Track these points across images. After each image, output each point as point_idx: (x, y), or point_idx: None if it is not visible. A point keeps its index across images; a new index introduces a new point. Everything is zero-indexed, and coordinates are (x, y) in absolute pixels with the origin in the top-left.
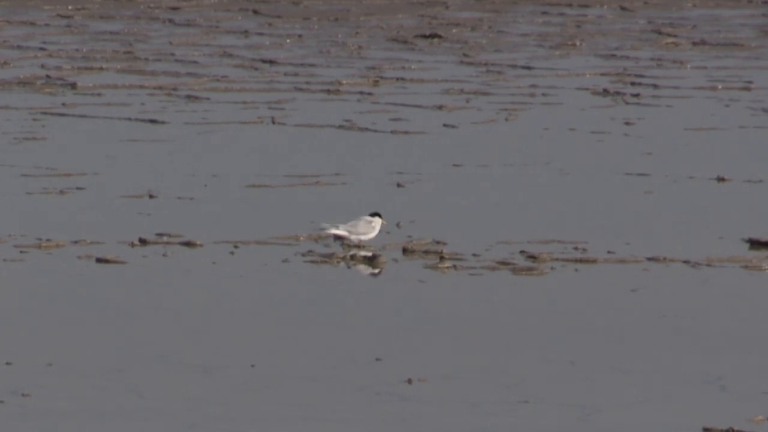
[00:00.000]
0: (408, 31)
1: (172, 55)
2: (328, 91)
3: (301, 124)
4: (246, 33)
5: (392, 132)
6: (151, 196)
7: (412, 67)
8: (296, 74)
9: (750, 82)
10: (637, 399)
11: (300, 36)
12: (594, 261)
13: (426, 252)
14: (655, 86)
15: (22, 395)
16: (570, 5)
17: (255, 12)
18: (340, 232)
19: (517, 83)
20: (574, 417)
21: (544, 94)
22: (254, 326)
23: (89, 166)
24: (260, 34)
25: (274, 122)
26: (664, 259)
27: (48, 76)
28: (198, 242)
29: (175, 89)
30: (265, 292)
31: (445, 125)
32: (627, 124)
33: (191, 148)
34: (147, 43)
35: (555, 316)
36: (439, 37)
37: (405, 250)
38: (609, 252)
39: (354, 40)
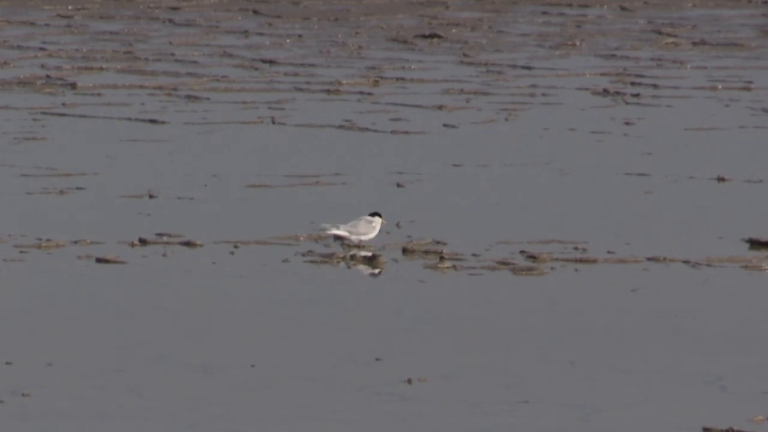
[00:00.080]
0: (408, 31)
1: (172, 55)
2: (328, 91)
3: (301, 124)
4: (246, 33)
5: (392, 132)
6: (151, 196)
7: (412, 67)
8: (296, 74)
9: (750, 82)
10: (637, 399)
11: (300, 36)
12: (594, 261)
13: (426, 252)
14: (655, 86)
15: (22, 395)
16: (570, 5)
17: (255, 12)
18: (341, 232)
19: (517, 83)
20: (574, 417)
21: (544, 94)
22: (254, 326)
23: (89, 166)
24: (260, 34)
25: (274, 122)
26: (664, 259)
27: (48, 76)
28: (198, 242)
29: (175, 89)
30: (265, 292)
31: (445, 125)
32: (627, 124)
33: (191, 148)
34: (147, 43)
35: (555, 316)
36: (439, 37)
37: (405, 250)
38: (609, 252)
39: (354, 40)
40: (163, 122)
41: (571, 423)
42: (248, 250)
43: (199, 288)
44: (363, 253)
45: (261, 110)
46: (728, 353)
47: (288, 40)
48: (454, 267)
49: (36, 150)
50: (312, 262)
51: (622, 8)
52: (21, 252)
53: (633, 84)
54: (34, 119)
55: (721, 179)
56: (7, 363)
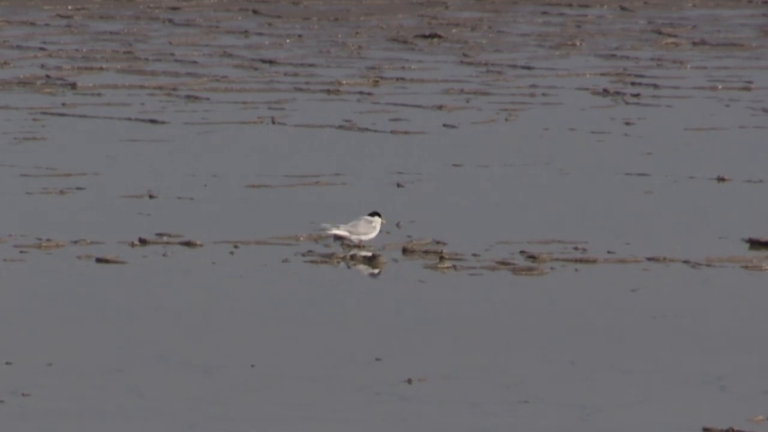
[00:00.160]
0: (408, 31)
1: (172, 55)
2: (328, 91)
3: (301, 124)
4: (246, 33)
5: (392, 132)
6: (151, 196)
7: (412, 67)
8: (296, 74)
9: (750, 82)
10: (637, 399)
11: (300, 36)
12: (594, 261)
13: (426, 252)
14: (655, 86)
15: (22, 395)
16: (570, 5)
17: (255, 12)
18: (341, 232)
19: (517, 83)
20: (574, 417)
21: (544, 94)
22: (254, 326)
23: (89, 166)
24: (260, 34)
25: (274, 122)
26: (664, 259)
27: (48, 76)
28: (198, 242)
29: (175, 89)
30: (265, 292)
31: (445, 125)
32: (627, 124)
33: (191, 148)
34: (147, 43)
35: (555, 316)
36: (439, 37)
37: (405, 250)
38: (609, 252)
39: (354, 40)
40: (163, 122)
41: (571, 423)
42: (248, 250)
43: (199, 288)
44: (363, 253)
45: (261, 110)
46: (728, 353)
47: (288, 40)
48: (454, 267)
49: (36, 150)
50: (312, 262)
51: (622, 8)
52: (21, 252)
53: (633, 84)
54: (34, 119)
55: (721, 179)
56: (7, 363)
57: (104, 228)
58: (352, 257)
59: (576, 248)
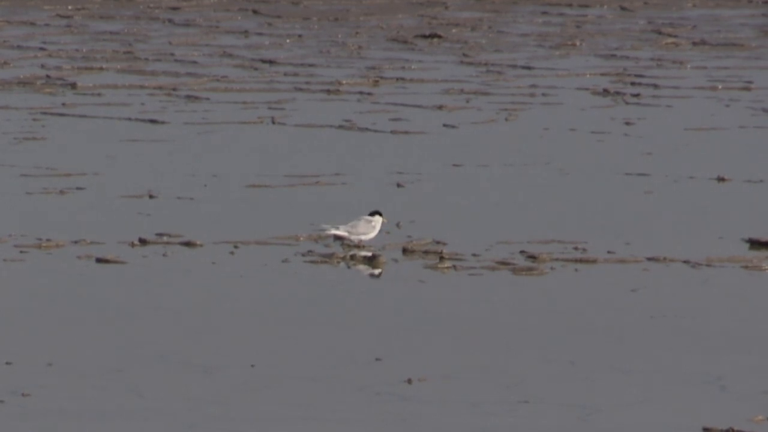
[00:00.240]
0: (408, 31)
1: (172, 55)
2: (328, 91)
3: (301, 124)
4: (246, 33)
5: (392, 132)
6: (151, 196)
7: (412, 67)
8: (296, 74)
9: (750, 82)
10: (637, 399)
11: (300, 36)
12: (594, 261)
13: (426, 252)
14: (655, 86)
15: (22, 395)
16: (570, 5)
17: (255, 12)
18: (341, 232)
19: (517, 83)
20: (574, 417)
21: (544, 94)
22: (254, 326)
23: (89, 166)
24: (260, 34)
25: (274, 122)
26: (664, 259)
27: (48, 76)
28: (198, 242)
29: (175, 89)
30: (265, 292)
31: (445, 125)
32: (627, 124)
33: (191, 148)
34: (147, 43)
35: (555, 316)
36: (439, 37)
37: (405, 250)
38: (609, 252)
39: (354, 40)
40: (163, 122)
41: (571, 423)
42: (248, 250)
43: (199, 288)
44: (363, 253)
45: (261, 110)
46: (728, 353)
47: (288, 40)
48: (454, 267)
49: (36, 150)
50: (312, 262)
51: (622, 8)
52: (21, 252)
53: (633, 84)
54: (34, 119)
55: (721, 179)
56: (7, 363)
57: (104, 228)
58: (352, 257)
59: (576, 248)
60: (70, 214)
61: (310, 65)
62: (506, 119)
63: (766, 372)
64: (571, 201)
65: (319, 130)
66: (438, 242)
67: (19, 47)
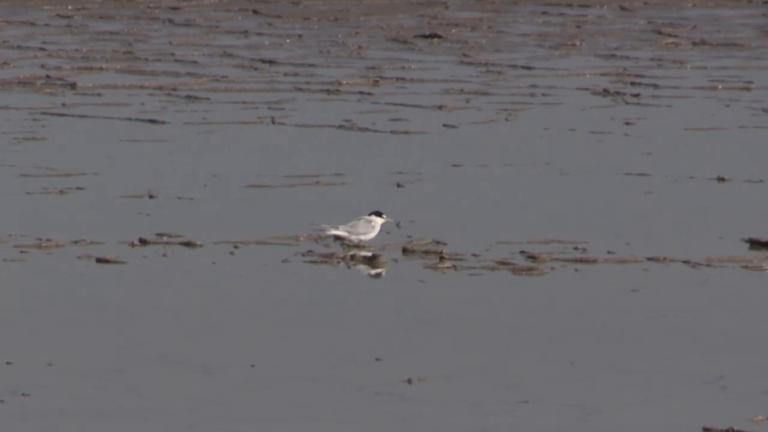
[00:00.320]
0: (408, 31)
1: (172, 55)
2: (328, 91)
3: (301, 124)
4: (246, 33)
5: (392, 132)
6: (151, 196)
7: (412, 67)
8: (296, 74)
9: (750, 82)
10: (637, 399)
11: (300, 36)
12: (594, 261)
13: (426, 252)
14: (655, 86)
15: (22, 395)
16: (570, 5)
17: (255, 12)
18: (340, 232)
19: (517, 83)
20: (574, 417)
21: (544, 94)
22: (254, 326)
23: (89, 166)
24: (260, 34)
25: (274, 122)
26: (664, 259)
27: (48, 76)
28: (198, 242)
29: (175, 89)
30: (265, 292)
31: (445, 125)
32: (627, 124)
33: (191, 148)
34: (147, 43)
35: (555, 316)
36: (439, 37)
37: (405, 250)
38: (609, 252)
39: (354, 40)
40: (163, 122)
41: (571, 423)
42: (248, 250)
43: (199, 288)
44: (363, 253)
45: (261, 110)
46: (728, 353)
47: (288, 40)
48: (454, 267)
49: (36, 150)
50: (312, 262)
51: (622, 8)
52: (21, 252)
53: (633, 84)
54: (34, 119)
55: (721, 179)
56: (7, 363)
57: (104, 228)
58: (352, 257)
59: (576, 248)
60: (70, 214)
61: (310, 65)
62: (506, 119)
63: (766, 372)
64: (571, 201)
65: (319, 130)
66: (438, 242)
67: (19, 47)
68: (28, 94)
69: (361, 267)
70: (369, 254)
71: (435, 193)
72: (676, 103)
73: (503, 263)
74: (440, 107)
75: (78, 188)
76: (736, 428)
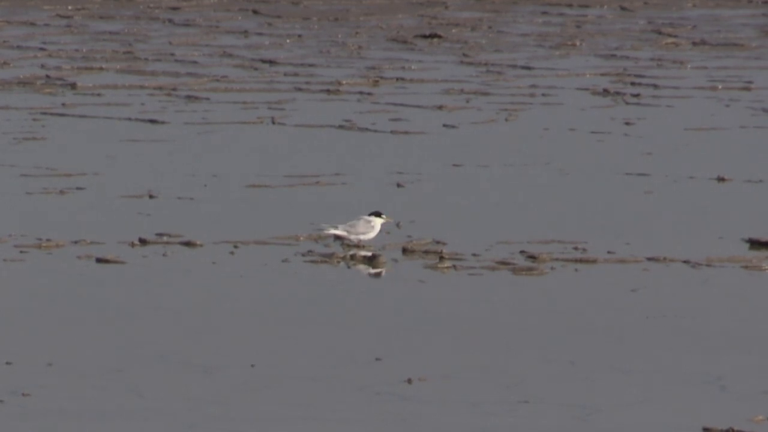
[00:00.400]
0: (408, 31)
1: (172, 55)
2: (328, 91)
3: (301, 124)
4: (246, 33)
5: (392, 132)
6: (151, 196)
7: (412, 67)
8: (296, 74)
9: (750, 82)
10: (637, 399)
11: (300, 36)
12: (594, 261)
13: (426, 252)
14: (655, 86)
15: (22, 395)
16: (570, 5)
17: (255, 12)
18: (340, 232)
19: (517, 83)
20: (574, 417)
21: (544, 94)
22: (254, 326)
23: (89, 166)
24: (260, 34)
25: (274, 122)
26: (664, 259)
27: (48, 76)
28: (198, 242)
29: (175, 89)
30: (265, 292)
31: (445, 125)
32: (627, 124)
33: (191, 148)
34: (147, 43)
35: (555, 316)
36: (439, 37)
37: (405, 250)
38: (609, 252)
39: (354, 40)
40: (163, 122)
41: (571, 423)
42: (248, 250)
43: (199, 288)
44: (363, 253)
45: (261, 110)
46: (728, 353)
47: (288, 40)
48: (454, 267)
49: (36, 150)
50: (312, 262)
51: (622, 8)
52: (21, 252)
53: (633, 84)
54: (34, 119)
55: (721, 179)
56: (7, 363)
57: (104, 228)
58: (352, 257)
59: (576, 248)
60: (70, 214)
61: (310, 65)
62: (506, 119)
63: (766, 372)
64: (571, 201)
65: (319, 130)
66: (438, 242)
67: (19, 47)
68: (28, 94)
69: (361, 267)
70: (369, 254)
71: (435, 193)
72: (676, 103)
73: (503, 263)
74: (440, 107)
75: (78, 188)
76: (736, 428)
